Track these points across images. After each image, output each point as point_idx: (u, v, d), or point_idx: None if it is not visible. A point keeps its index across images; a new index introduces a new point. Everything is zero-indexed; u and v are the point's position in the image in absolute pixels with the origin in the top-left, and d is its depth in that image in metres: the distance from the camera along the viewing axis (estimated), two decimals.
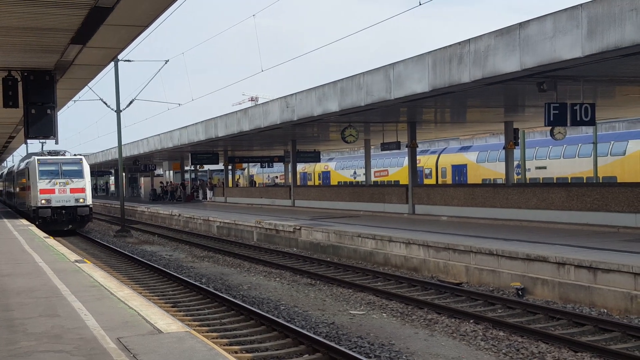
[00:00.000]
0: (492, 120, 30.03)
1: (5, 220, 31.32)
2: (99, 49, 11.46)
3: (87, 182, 32.33)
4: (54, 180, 30.98)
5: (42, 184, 30.85)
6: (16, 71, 12.43)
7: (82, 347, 7.27)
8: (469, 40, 17.10)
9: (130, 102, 35.74)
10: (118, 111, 34.85)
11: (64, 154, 33.92)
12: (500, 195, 24.14)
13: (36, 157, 32.57)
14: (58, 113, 13.47)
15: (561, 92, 17.68)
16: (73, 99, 21.92)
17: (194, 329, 9.83)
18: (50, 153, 34.02)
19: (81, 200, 31.58)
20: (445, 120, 32.08)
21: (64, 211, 31.24)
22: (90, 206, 32.43)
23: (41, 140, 44.05)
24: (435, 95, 19.48)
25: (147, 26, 10.33)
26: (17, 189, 41.68)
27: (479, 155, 43.96)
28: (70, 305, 9.61)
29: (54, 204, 30.83)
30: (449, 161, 47.13)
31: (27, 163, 34.56)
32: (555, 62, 14.78)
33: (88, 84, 17.72)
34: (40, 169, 31.29)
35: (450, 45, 17.82)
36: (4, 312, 9.28)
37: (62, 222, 31.48)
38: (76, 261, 15.01)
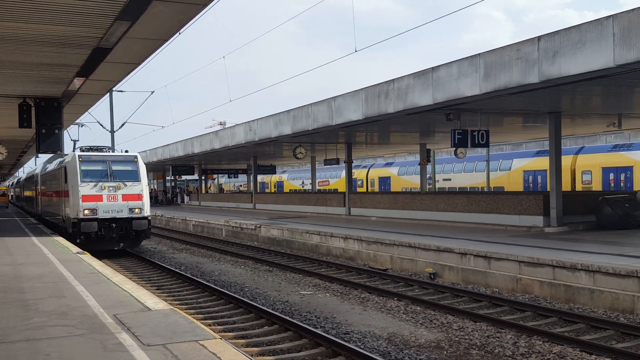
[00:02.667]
0: (410, 142, 30.31)
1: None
2: (99, 81, 11.24)
3: (144, 186, 19.62)
4: (101, 183, 18.74)
5: (86, 188, 18.50)
6: (30, 98, 12.10)
7: (85, 322, 7.12)
8: (393, 80, 17.26)
9: (122, 125, 34.94)
10: (112, 132, 33.98)
11: (107, 151, 21.52)
12: (416, 201, 24.40)
13: (77, 153, 19.76)
14: (64, 132, 13.14)
15: (463, 121, 17.92)
16: (76, 121, 21.32)
17: (177, 307, 9.67)
18: (92, 149, 21.05)
19: (137, 210, 19.05)
20: (374, 141, 32.26)
21: (114, 225, 18.74)
22: (149, 218, 19.66)
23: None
24: (367, 122, 19.57)
25: (139, 64, 10.20)
26: (44, 196, 27.25)
27: (399, 170, 44.50)
28: (74, 289, 9.39)
29: (101, 215, 18.48)
30: (376, 174, 47.59)
31: (62, 162, 21.63)
32: (459, 97, 14.93)
33: (88, 110, 17.28)
34: (83, 168, 18.84)
35: (379, 83, 17.95)
36: (19, 294, 9.01)
37: (111, 240, 18.95)
38: (77, 253, 14.60)
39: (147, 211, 19.17)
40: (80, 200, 18.33)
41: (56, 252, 14.73)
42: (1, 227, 24.20)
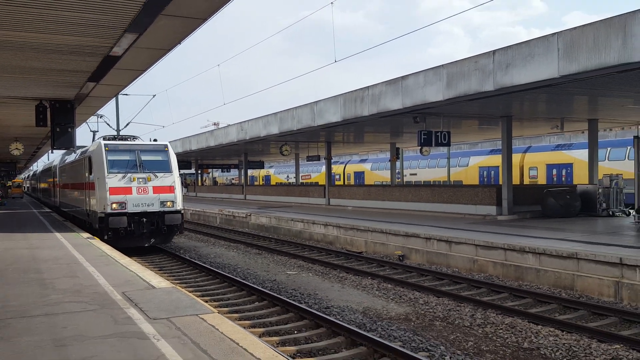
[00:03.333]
0: (382, 141, 30.35)
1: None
2: (109, 85, 11.08)
3: (176, 177, 16.25)
4: (130, 174, 15.38)
5: (113, 180, 15.13)
6: (46, 100, 11.89)
7: (97, 298, 7.06)
8: (368, 87, 17.30)
9: (127, 124, 34.29)
10: (118, 130, 33.45)
11: (133, 140, 17.17)
12: (387, 193, 24.51)
13: (102, 142, 16.06)
14: (76, 130, 12.92)
15: (428, 123, 18.02)
16: (86, 121, 20.99)
17: (178, 286, 9.64)
18: (116, 138, 17.29)
19: (169, 203, 15.81)
20: (351, 140, 32.30)
21: (144, 219, 15.38)
22: (182, 212, 16.40)
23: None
24: (345, 124, 19.60)
25: (144, 71, 10.08)
26: (64, 188, 23.27)
27: (372, 165, 44.63)
28: (86, 270, 9.28)
29: (130, 209, 15.18)
30: (352, 169, 47.67)
31: (85, 152, 17.96)
32: (425, 103, 15.02)
33: (97, 110, 16.97)
34: (110, 158, 15.43)
35: (355, 90, 17.98)
36: (37, 274, 8.88)
37: (141, 236, 15.59)
38: (88, 238, 14.41)
39: (179, 204, 15.95)
40: (108, 193, 14.94)
41: (68, 237, 14.52)
42: (20, 217, 23.70)
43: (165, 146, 16.51)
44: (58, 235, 15.01)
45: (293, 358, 6.98)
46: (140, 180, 15.35)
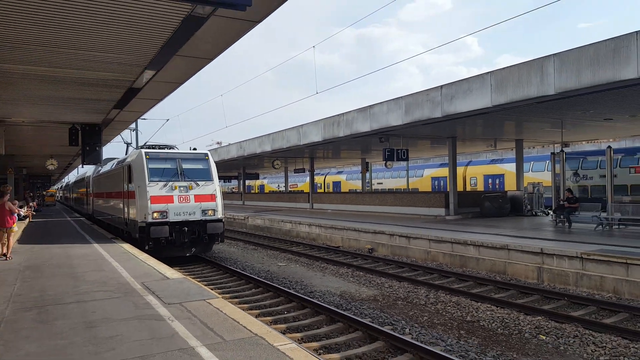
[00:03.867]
0: (354, 157, 30.40)
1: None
2: (131, 112, 10.89)
3: (217, 186, 13.48)
4: (171, 183, 12.87)
5: (154, 188, 12.64)
6: (77, 124, 11.63)
7: (121, 288, 6.90)
8: (343, 113, 17.38)
9: (145, 144, 33.71)
10: (136, 149, 32.52)
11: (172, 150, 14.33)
12: (359, 198, 24.53)
13: (143, 150, 13.53)
14: (102, 149, 12.61)
15: (391, 142, 18.10)
16: (111, 141, 20.59)
17: (188, 277, 9.47)
18: (156, 148, 14.46)
19: (210, 211, 13.09)
20: (329, 156, 32.24)
21: (186, 228, 12.75)
22: (223, 220, 13.47)
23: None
24: (325, 143, 19.64)
25: (161, 99, 9.96)
26: (98, 197, 19.84)
27: (347, 176, 44.66)
28: (111, 264, 9.07)
29: (172, 217, 12.61)
30: (331, 179, 47.64)
31: (122, 161, 15.55)
32: (388, 126, 15.13)
33: (121, 132, 16.68)
34: (151, 166, 12.98)
35: (333, 116, 18.04)
36: (70, 268, 8.63)
37: (182, 245, 12.86)
38: (112, 238, 14.07)
39: (220, 213, 13.08)
40: (149, 202, 12.23)
41: (95, 237, 14.17)
42: (61, 226, 23.04)
43: (206, 155, 13.77)
44: (86, 236, 14.64)
45: (283, 333, 6.91)
46: (182, 188, 12.73)
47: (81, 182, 29.19)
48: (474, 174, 30.57)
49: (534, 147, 29.22)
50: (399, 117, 14.55)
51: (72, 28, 5.51)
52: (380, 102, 15.43)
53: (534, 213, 18.76)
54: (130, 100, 9.50)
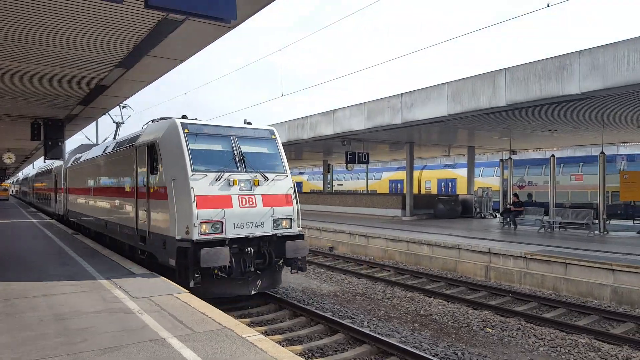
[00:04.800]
0: (316, 159, 30.29)
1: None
2: (96, 108, 10.59)
3: (292, 182, 7.85)
4: (227, 175, 7.03)
5: (201, 183, 6.71)
6: (40, 119, 11.19)
7: (87, 283, 6.81)
8: (307, 116, 17.46)
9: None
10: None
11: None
12: (320, 198, 24.58)
13: (178, 120, 7.37)
14: (65, 144, 12.18)
15: (353, 146, 18.44)
16: (74, 136, 19.68)
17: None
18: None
19: (285, 222, 7.51)
20: (292, 157, 31.76)
21: (250, 249, 6.96)
22: (304, 234, 7.67)
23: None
24: (289, 144, 19.56)
25: (128, 97, 9.82)
26: (78, 194, 13.72)
27: (309, 177, 44.69)
28: (75, 259, 8.84)
29: (230, 231, 6.83)
30: (294, 179, 47.49)
31: (137, 139, 8.74)
32: (350, 131, 15.37)
33: (83, 128, 16.07)
34: (193, 147, 6.96)
35: (298, 118, 18.10)
36: (32, 263, 8.33)
37: (242, 276, 7.05)
38: (73, 233, 13.55)
39: (299, 223, 8.01)
40: (194, 205, 6.98)
41: (55, 231, 13.59)
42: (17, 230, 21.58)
43: (272, 132, 8.35)
44: (47, 232, 14.00)
45: (249, 326, 7.08)
46: (244, 184, 7.43)
47: (47, 174, 21.93)
48: (429, 177, 31.50)
49: (484, 154, 30.57)
50: (361, 122, 14.87)
51: (44, 25, 5.46)
52: (344, 107, 15.68)
53: (483, 215, 19.63)
54: (96, 98, 9.31)
